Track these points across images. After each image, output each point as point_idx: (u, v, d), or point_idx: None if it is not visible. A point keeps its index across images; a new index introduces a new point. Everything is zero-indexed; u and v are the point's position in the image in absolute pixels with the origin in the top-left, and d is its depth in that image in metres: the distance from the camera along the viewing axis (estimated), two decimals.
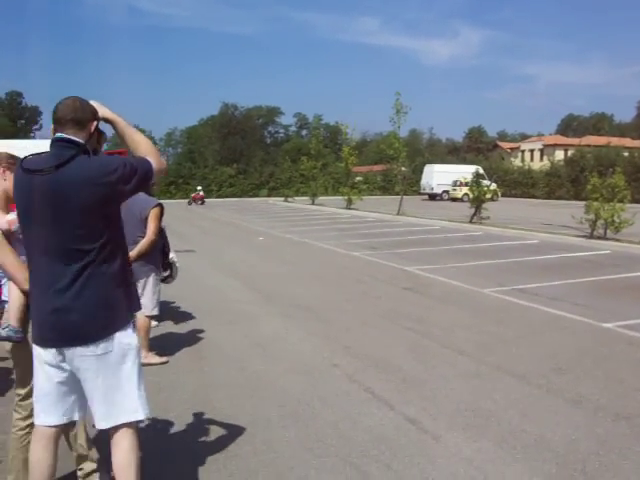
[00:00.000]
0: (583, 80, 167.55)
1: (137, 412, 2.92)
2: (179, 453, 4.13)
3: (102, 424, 2.90)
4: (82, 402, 2.99)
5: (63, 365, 2.85)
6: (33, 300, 2.90)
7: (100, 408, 2.87)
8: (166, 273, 6.85)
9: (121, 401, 2.87)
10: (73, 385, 2.91)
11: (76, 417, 3.04)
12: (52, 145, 2.83)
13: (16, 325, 3.29)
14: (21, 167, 2.83)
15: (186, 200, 42.10)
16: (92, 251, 2.75)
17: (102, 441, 3.94)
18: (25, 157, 2.87)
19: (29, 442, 3.32)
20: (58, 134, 2.82)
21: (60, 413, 2.93)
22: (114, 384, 2.85)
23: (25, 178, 2.79)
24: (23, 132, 74.80)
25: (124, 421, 2.89)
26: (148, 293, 6.02)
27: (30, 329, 3.07)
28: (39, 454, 2.95)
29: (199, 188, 42.49)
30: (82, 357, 2.80)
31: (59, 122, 2.83)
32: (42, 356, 2.86)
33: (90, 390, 2.86)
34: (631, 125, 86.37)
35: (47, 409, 2.91)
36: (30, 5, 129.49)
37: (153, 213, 5.91)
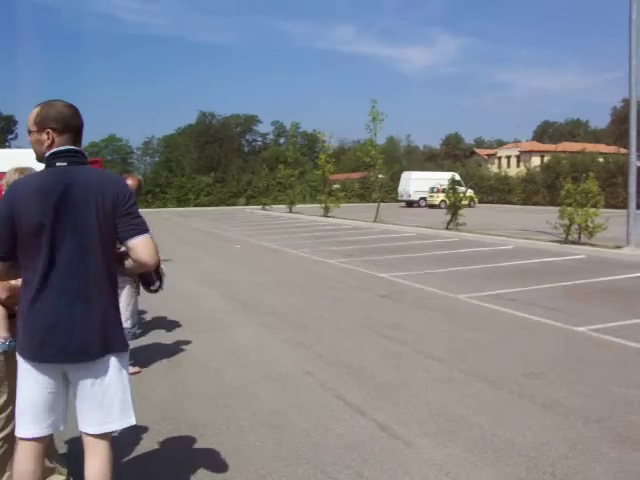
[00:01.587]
0: (559, 87, 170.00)
1: (130, 418, 2.89)
2: (149, 462, 4.08)
3: (93, 429, 2.81)
4: (65, 413, 2.91)
5: (58, 375, 2.78)
6: (27, 313, 2.72)
7: (95, 414, 2.80)
8: (156, 286, 6.74)
9: (118, 407, 2.82)
10: (62, 395, 2.84)
11: (61, 428, 2.93)
12: (57, 156, 2.74)
13: (5, 335, 3.21)
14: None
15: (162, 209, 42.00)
16: (98, 265, 2.71)
17: (69, 455, 3.91)
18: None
19: None
20: (65, 147, 2.75)
21: (47, 424, 2.81)
22: (113, 389, 2.81)
23: (35, 182, 2.76)
24: None
25: (118, 427, 2.86)
26: (122, 304, 5.95)
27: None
28: (26, 466, 2.80)
29: None
30: (80, 367, 2.75)
31: (58, 130, 2.75)
32: (33, 366, 2.75)
33: (86, 397, 2.79)
34: (606, 131, 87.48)
35: (34, 420, 2.79)
36: (2, 13, 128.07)
37: None
